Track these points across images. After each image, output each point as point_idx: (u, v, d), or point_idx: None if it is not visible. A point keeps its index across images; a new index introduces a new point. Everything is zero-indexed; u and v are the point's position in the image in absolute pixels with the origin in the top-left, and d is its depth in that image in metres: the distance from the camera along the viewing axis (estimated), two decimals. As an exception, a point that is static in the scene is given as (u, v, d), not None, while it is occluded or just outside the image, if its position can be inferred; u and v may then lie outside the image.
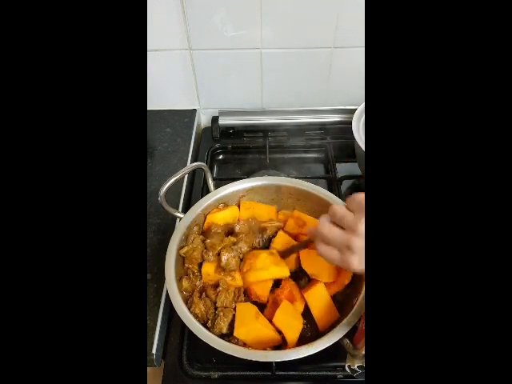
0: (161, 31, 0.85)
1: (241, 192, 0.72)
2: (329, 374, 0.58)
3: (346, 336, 0.51)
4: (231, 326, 0.57)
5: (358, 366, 0.47)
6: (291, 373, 0.58)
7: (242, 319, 0.56)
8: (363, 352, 0.47)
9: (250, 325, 0.55)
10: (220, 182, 0.75)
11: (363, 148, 0.76)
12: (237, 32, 0.85)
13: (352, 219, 0.44)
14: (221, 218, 0.69)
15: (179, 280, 0.59)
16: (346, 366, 0.49)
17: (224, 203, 0.72)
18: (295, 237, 0.67)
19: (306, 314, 0.59)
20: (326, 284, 0.60)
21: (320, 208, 0.70)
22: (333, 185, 0.85)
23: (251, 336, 0.55)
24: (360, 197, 0.43)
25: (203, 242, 0.65)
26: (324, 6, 0.81)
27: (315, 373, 0.58)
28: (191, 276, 0.61)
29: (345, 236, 0.44)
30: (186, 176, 0.86)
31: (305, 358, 0.50)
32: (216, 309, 0.59)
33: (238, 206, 0.72)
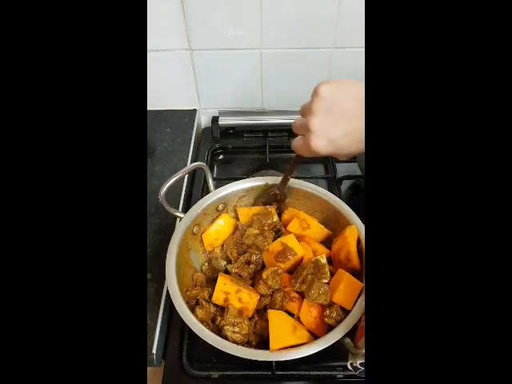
0: (161, 31, 0.85)
1: (241, 192, 0.72)
2: (329, 373, 0.58)
3: (346, 335, 0.51)
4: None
5: (360, 363, 0.47)
6: (291, 372, 0.58)
7: (277, 333, 0.54)
8: (363, 351, 0.47)
9: (288, 341, 0.53)
10: (220, 182, 0.75)
11: (363, 148, 0.76)
12: (237, 32, 0.85)
13: (307, 104, 0.48)
14: (214, 233, 0.70)
15: (192, 310, 0.57)
16: (348, 363, 0.49)
17: (224, 203, 0.72)
18: (298, 238, 0.67)
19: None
20: None
21: (320, 208, 0.70)
22: (333, 185, 0.85)
23: (283, 346, 0.53)
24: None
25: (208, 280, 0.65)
26: (324, 6, 0.81)
27: (315, 373, 0.58)
28: (204, 303, 0.60)
29: (303, 120, 0.48)
30: (186, 176, 0.86)
31: (305, 357, 0.50)
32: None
33: (235, 211, 0.73)
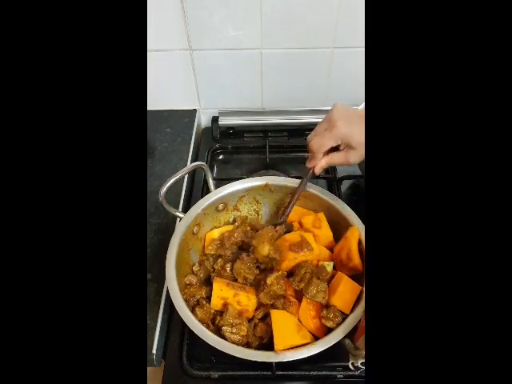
0: (161, 31, 0.85)
1: (241, 192, 0.73)
2: (329, 373, 0.58)
3: (346, 336, 0.51)
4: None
5: (361, 363, 0.47)
6: (291, 373, 0.58)
7: (282, 332, 0.53)
8: (363, 352, 0.47)
9: (293, 340, 0.53)
10: (220, 182, 0.75)
11: (363, 148, 0.76)
12: (237, 32, 0.85)
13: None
14: (219, 232, 0.71)
15: (192, 310, 0.57)
16: (350, 363, 0.49)
17: (224, 203, 0.72)
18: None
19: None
20: None
21: (320, 208, 0.70)
22: (333, 185, 0.85)
23: (289, 347, 0.53)
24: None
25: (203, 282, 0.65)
26: (324, 5, 0.81)
27: (315, 373, 0.58)
28: (203, 303, 0.60)
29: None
30: (186, 176, 0.86)
31: (305, 358, 0.50)
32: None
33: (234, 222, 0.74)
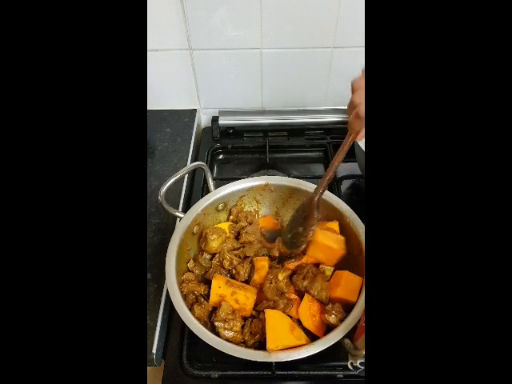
0: (161, 31, 0.85)
1: (241, 192, 0.73)
2: (329, 373, 0.58)
3: (346, 336, 0.51)
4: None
5: (360, 363, 0.47)
6: (291, 372, 0.58)
7: (274, 332, 0.53)
8: (363, 352, 0.47)
9: (286, 340, 0.53)
10: (220, 182, 0.75)
11: (363, 148, 0.76)
12: (237, 32, 0.85)
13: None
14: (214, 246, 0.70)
15: (190, 308, 0.58)
16: (349, 363, 0.49)
17: (224, 203, 0.72)
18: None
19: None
20: None
21: (320, 208, 0.70)
22: (333, 185, 0.85)
23: (282, 347, 0.53)
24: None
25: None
26: (324, 5, 0.81)
27: (315, 372, 0.58)
28: (202, 301, 0.60)
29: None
30: (186, 176, 0.86)
31: (305, 357, 0.50)
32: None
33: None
